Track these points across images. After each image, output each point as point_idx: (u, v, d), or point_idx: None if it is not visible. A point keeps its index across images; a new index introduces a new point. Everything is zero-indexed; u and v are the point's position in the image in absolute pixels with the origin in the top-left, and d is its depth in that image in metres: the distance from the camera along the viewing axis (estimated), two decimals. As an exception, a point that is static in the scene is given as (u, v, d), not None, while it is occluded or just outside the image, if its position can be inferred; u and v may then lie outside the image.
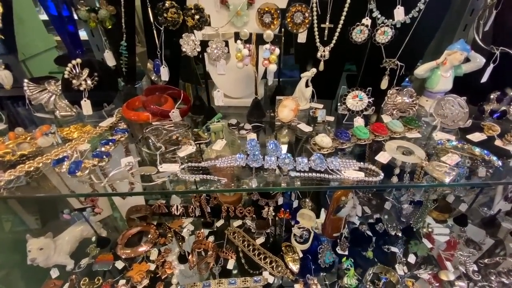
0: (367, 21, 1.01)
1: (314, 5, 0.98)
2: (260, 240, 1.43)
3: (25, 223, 1.63)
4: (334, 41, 1.03)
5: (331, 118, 1.01)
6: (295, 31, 0.90)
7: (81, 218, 1.30)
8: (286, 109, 0.96)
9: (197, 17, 0.80)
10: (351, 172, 0.74)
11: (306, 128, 0.95)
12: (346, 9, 0.99)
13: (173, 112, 0.96)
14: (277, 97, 0.99)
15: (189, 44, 0.79)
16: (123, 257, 1.28)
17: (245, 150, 0.81)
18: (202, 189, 0.75)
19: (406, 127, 0.93)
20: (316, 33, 1.02)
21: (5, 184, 0.72)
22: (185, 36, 0.79)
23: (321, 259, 1.39)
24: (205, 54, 0.87)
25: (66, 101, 1.03)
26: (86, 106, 0.99)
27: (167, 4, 0.80)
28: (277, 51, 0.85)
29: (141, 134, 0.92)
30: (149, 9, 1.00)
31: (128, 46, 1.09)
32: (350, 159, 0.79)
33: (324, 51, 1.05)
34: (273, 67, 0.88)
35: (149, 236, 1.38)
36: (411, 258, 1.38)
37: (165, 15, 0.81)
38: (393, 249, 1.39)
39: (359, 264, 1.35)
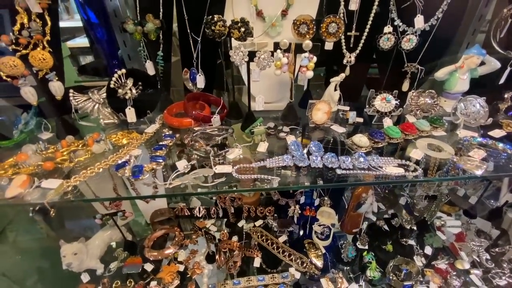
0: (388, 29, 1.10)
1: (342, 15, 1.06)
2: (283, 238, 1.49)
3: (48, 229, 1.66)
4: (359, 48, 1.12)
5: (360, 120, 1.09)
6: (328, 40, 0.97)
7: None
8: (320, 112, 1.03)
9: (242, 29, 0.87)
10: (392, 168, 0.82)
11: (339, 129, 1.02)
12: (371, 18, 1.07)
13: (214, 117, 1.02)
14: (310, 101, 1.06)
15: (238, 55, 0.86)
16: (151, 259, 1.32)
17: (290, 151, 0.88)
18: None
19: (432, 126, 1.01)
20: (343, 41, 1.10)
21: (71, 190, 0.77)
22: (235, 47, 0.86)
23: (344, 254, 1.46)
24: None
25: (109, 109, 1.08)
26: (130, 114, 1.04)
27: (215, 18, 0.86)
28: (315, 59, 0.93)
29: (184, 139, 0.98)
30: (186, 21, 1.07)
31: (164, 56, 1.15)
32: (387, 156, 0.87)
33: (350, 57, 1.13)
34: (310, 74, 0.95)
35: (175, 238, 1.42)
36: (427, 250, 1.46)
37: (213, 27, 0.88)
38: (410, 242, 1.47)
39: (379, 257, 1.42)
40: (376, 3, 1.05)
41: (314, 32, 0.95)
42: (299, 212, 1.47)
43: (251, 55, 0.88)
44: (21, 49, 0.93)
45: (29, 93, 0.89)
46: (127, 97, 1.01)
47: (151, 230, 1.54)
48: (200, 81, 1.14)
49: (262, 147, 0.93)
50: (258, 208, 1.51)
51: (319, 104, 1.03)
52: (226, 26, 0.88)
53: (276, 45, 0.93)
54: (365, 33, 1.09)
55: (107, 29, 1.10)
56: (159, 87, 1.11)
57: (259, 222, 1.58)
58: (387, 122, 1.02)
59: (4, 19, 0.93)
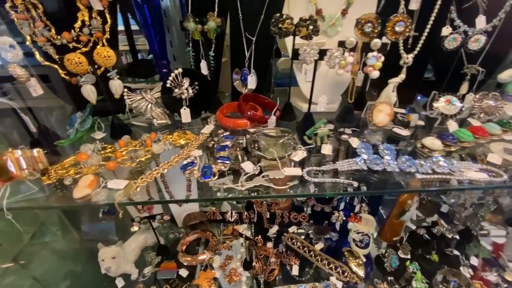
0: (448, 29, 1.06)
1: (402, 14, 1.03)
2: (319, 245, 1.43)
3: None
4: (418, 49, 1.08)
5: (422, 122, 1.04)
6: (393, 39, 0.94)
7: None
8: (381, 114, 0.99)
9: (311, 27, 0.84)
10: (474, 173, 0.77)
11: (403, 131, 0.98)
12: (433, 17, 1.03)
13: (271, 118, 0.99)
14: (369, 102, 1.02)
15: (309, 53, 0.83)
16: (185, 264, 1.28)
17: (359, 154, 0.84)
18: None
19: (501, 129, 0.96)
20: (401, 41, 1.07)
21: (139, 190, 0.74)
22: (306, 46, 0.83)
23: (387, 263, 1.39)
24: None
25: (161, 109, 1.06)
26: (185, 114, 1.02)
27: (284, 16, 0.84)
28: (383, 58, 0.89)
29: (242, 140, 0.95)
30: (241, 20, 1.05)
31: (215, 56, 1.13)
32: (463, 160, 0.82)
33: (407, 58, 1.09)
34: (376, 74, 0.92)
35: (210, 243, 1.38)
36: (473, 260, 1.39)
37: (280, 25, 0.85)
38: (455, 251, 1.41)
39: (423, 267, 1.36)
40: (439, 3, 1.02)
41: (378, 31, 0.92)
42: (343, 219, 1.42)
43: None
44: (81, 46, 0.92)
45: (90, 91, 0.87)
46: (183, 97, 0.99)
47: (181, 233, 1.50)
48: (252, 82, 1.11)
49: (327, 149, 0.89)
50: (292, 214, 1.47)
51: (380, 106, 0.99)
52: (293, 24, 0.86)
53: (341, 44, 0.90)
54: (425, 33, 1.05)
55: (159, 29, 1.08)
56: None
57: (292, 229, 1.53)
58: (452, 125, 0.98)
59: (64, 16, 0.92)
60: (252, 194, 0.75)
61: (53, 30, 0.88)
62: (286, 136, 0.91)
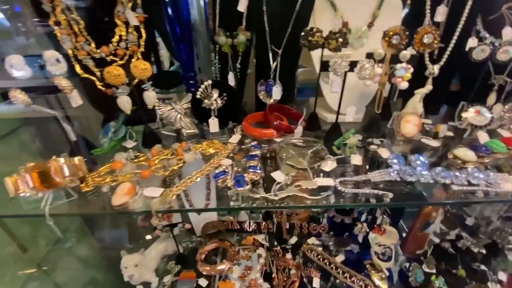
0: (473, 40, 1.07)
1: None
2: (340, 258, 1.40)
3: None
4: (444, 60, 1.08)
5: (451, 133, 1.03)
6: (421, 50, 0.95)
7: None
8: (409, 124, 0.99)
9: (340, 40, 0.86)
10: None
11: (432, 142, 0.97)
12: (459, 29, 1.04)
13: (298, 128, 1.00)
14: (396, 112, 1.02)
15: (340, 65, 0.84)
16: (204, 273, 1.27)
17: (390, 164, 0.84)
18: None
19: (535, 141, 0.94)
20: (427, 52, 1.07)
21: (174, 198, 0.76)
22: (337, 58, 0.85)
23: (412, 277, 1.35)
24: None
25: (189, 119, 1.09)
26: (214, 124, 1.04)
27: (314, 29, 0.86)
28: (412, 69, 0.90)
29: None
30: (267, 34, 1.08)
31: (241, 68, 1.16)
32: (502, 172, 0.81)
33: (433, 69, 1.09)
34: (404, 85, 0.92)
35: (228, 253, 1.36)
36: (501, 276, 1.34)
37: (310, 38, 0.87)
38: (482, 266, 1.36)
39: (449, 282, 1.31)
40: (465, 15, 1.02)
41: (406, 43, 0.93)
42: (367, 231, 1.39)
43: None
44: (118, 59, 0.96)
45: (125, 102, 0.90)
46: (212, 107, 1.01)
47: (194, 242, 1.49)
48: (277, 93, 1.13)
49: (356, 159, 0.89)
50: (311, 225, 1.45)
51: (409, 116, 0.99)
52: (323, 37, 0.88)
53: (369, 56, 0.92)
54: (452, 44, 1.06)
55: (188, 42, 1.13)
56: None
57: (312, 240, 1.51)
58: (483, 136, 0.97)
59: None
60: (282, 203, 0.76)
61: (92, 45, 0.92)
62: (316, 146, 0.92)
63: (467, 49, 1.05)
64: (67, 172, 0.74)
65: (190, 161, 0.91)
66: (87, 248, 1.68)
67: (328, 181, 0.79)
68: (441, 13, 1.04)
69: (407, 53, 0.89)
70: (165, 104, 1.06)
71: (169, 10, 1.05)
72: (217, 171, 0.83)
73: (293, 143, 0.96)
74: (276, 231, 1.49)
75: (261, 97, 1.18)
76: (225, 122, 1.07)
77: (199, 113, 1.06)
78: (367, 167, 0.89)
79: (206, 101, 1.01)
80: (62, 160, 0.74)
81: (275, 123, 1.03)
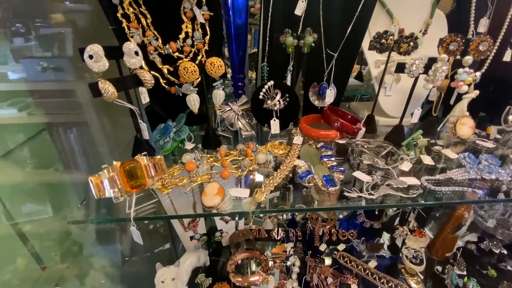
0: (509, 52, 1.15)
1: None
2: (373, 263, 1.40)
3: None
4: (485, 67, 1.16)
5: (499, 136, 1.09)
6: (476, 57, 1.01)
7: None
8: (465, 127, 1.03)
9: (411, 44, 0.89)
10: None
11: (487, 144, 1.02)
12: (500, 40, 1.12)
13: (362, 129, 1.01)
14: (448, 116, 1.07)
15: (418, 67, 0.87)
16: (237, 284, 1.21)
17: (463, 164, 0.86)
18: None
19: None
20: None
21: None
22: (412, 60, 0.87)
23: (447, 280, 1.38)
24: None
25: (246, 120, 1.06)
26: (275, 125, 1.02)
27: (388, 33, 0.89)
28: (477, 74, 0.95)
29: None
30: (322, 37, 1.10)
31: (293, 71, 1.16)
32: None
33: (475, 75, 1.16)
34: (465, 88, 0.97)
35: (261, 263, 1.31)
36: None
37: (383, 41, 0.90)
38: (509, 266, 1.41)
39: (482, 283, 1.35)
40: (506, 26, 1.11)
41: (462, 50, 0.98)
42: (407, 233, 1.40)
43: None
44: (183, 56, 0.92)
45: (196, 101, 0.86)
46: (275, 108, 0.99)
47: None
48: (331, 96, 1.14)
49: (427, 160, 0.90)
50: (340, 231, 1.44)
51: (463, 119, 1.04)
52: (393, 40, 0.91)
53: (431, 60, 0.96)
54: (493, 53, 1.13)
55: (243, 44, 1.11)
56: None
57: (342, 246, 1.49)
58: (531, 137, 1.03)
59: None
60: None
61: (159, 40, 0.88)
62: (388, 147, 0.93)
63: (504, 59, 1.14)
64: (153, 172, 0.68)
65: (262, 161, 0.87)
66: (106, 262, 1.54)
67: (414, 180, 0.79)
68: (484, 24, 1.12)
69: (469, 58, 0.94)
70: (224, 105, 1.03)
71: (226, 12, 1.04)
72: (299, 171, 0.80)
73: (361, 145, 0.96)
74: (305, 238, 1.46)
75: (312, 99, 1.18)
76: (286, 123, 1.05)
77: (259, 114, 1.04)
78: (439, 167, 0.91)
79: (269, 102, 0.99)
80: (145, 159, 0.68)
81: (336, 124, 1.03)
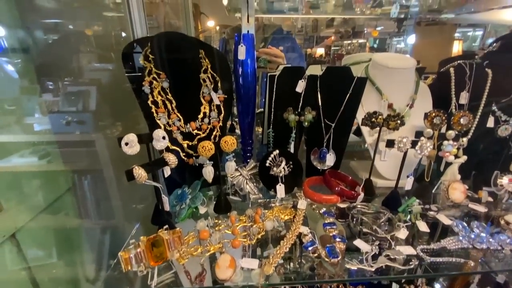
0: (491, 119, 1.29)
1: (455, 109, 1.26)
2: None
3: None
4: (470, 134, 1.28)
5: (490, 199, 1.16)
6: (459, 129, 1.14)
7: None
8: (457, 191, 1.11)
9: (399, 121, 1.03)
10: None
11: (479, 208, 1.09)
12: (480, 112, 1.26)
13: (360, 194, 1.10)
14: (441, 180, 1.16)
15: (404, 143, 0.99)
16: None
17: (456, 231, 0.93)
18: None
19: None
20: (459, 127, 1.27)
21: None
22: (400, 137, 1.00)
23: None
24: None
25: (254, 184, 1.17)
26: (281, 190, 1.12)
27: (377, 113, 1.03)
28: (464, 140, 1.07)
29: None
30: (321, 110, 1.25)
31: (295, 138, 1.29)
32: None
33: (462, 141, 1.28)
34: (451, 158, 1.08)
35: None
36: None
37: (373, 119, 1.04)
38: None
39: None
40: (484, 98, 1.26)
41: (445, 123, 1.11)
42: (416, 292, 1.40)
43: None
44: (201, 133, 1.07)
45: (211, 172, 0.99)
46: (280, 175, 1.11)
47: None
48: (330, 160, 1.26)
49: (423, 226, 0.98)
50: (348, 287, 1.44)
51: (454, 184, 1.13)
52: (383, 119, 1.05)
53: (418, 134, 1.09)
54: (475, 122, 1.26)
55: (251, 112, 1.27)
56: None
57: None
58: (521, 202, 1.10)
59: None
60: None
61: (182, 121, 1.04)
62: (385, 213, 1.01)
63: (487, 125, 1.27)
64: (173, 245, 0.77)
65: (269, 228, 0.96)
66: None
67: (410, 250, 0.86)
68: (464, 97, 1.27)
69: (452, 132, 1.06)
70: (235, 171, 1.15)
71: (237, 88, 1.22)
72: (304, 240, 0.88)
73: (361, 212, 1.05)
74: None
75: (314, 163, 1.30)
76: (291, 188, 1.16)
77: (265, 180, 1.15)
78: (435, 233, 0.97)
79: (275, 169, 1.11)
80: (167, 233, 0.78)
81: (337, 188, 1.12)
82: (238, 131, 1.37)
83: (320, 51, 6.78)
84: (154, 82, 1.02)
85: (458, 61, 1.36)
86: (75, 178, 1.53)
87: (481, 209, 1.09)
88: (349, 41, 6.36)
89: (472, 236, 0.89)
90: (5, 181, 1.12)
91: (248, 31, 1.21)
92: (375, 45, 5.80)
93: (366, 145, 1.34)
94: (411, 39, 3.53)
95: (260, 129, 1.63)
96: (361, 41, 6.11)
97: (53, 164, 1.37)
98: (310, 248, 0.85)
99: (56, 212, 1.35)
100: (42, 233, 1.29)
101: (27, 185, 1.27)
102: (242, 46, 1.10)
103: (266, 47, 1.60)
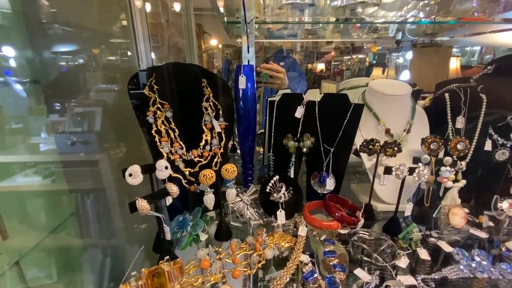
0: (488, 142, 1.30)
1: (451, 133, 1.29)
2: None
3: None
4: (469, 158, 1.29)
5: (491, 224, 1.16)
6: (456, 154, 1.15)
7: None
8: (457, 217, 1.12)
9: (396, 149, 1.06)
10: None
11: (480, 233, 1.09)
12: (477, 136, 1.28)
13: (361, 220, 1.11)
14: (442, 204, 1.17)
15: (401, 171, 1.01)
16: None
17: (458, 259, 0.93)
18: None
19: None
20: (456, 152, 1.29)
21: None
22: (397, 165, 1.02)
23: None
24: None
25: (254, 210, 1.18)
26: (281, 216, 1.13)
27: (374, 140, 1.06)
28: (463, 163, 1.08)
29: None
30: (320, 136, 1.28)
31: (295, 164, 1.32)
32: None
33: (461, 164, 1.29)
34: (449, 184, 1.09)
35: None
36: None
37: (370, 147, 1.06)
38: None
39: None
40: (480, 123, 1.28)
41: (442, 148, 1.14)
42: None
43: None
44: (203, 160, 1.10)
45: (211, 200, 1.01)
46: (280, 200, 1.12)
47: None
48: (330, 184, 1.28)
49: (424, 254, 0.97)
50: None
51: (454, 209, 1.13)
52: (380, 146, 1.07)
53: (415, 160, 1.11)
54: (473, 146, 1.28)
55: (252, 139, 1.31)
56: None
57: None
58: (522, 227, 1.10)
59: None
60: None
61: (184, 149, 1.07)
62: (386, 240, 1.01)
63: (485, 149, 1.28)
64: (173, 277, 0.78)
65: (270, 257, 0.96)
66: None
67: (410, 280, 0.86)
68: (460, 121, 1.30)
69: (449, 158, 1.08)
70: (235, 197, 1.16)
71: (238, 111, 1.25)
72: (304, 270, 0.89)
73: (361, 237, 1.05)
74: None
75: (314, 187, 1.31)
76: (291, 214, 1.17)
77: (266, 205, 1.17)
78: (437, 260, 0.97)
79: (275, 195, 1.12)
80: (167, 265, 0.79)
81: (337, 214, 1.13)
82: (239, 151, 1.39)
83: (320, 66, 6.94)
84: (158, 112, 1.06)
85: (453, 85, 1.40)
86: (78, 200, 1.55)
87: (483, 235, 1.09)
88: (349, 57, 6.51)
89: (473, 264, 0.89)
90: (10, 203, 1.14)
91: (248, 61, 1.26)
92: (375, 61, 5.92)
93: (366, 169, 1.36)
94: (409, 55, 3.61)
95: (261, 149, 1.66)
96: (360, 56, 6.26)
97: (56, 184, 1.39)
98: (310, 279, 0.85)
99: (60, 237, 1.37)
100: (44, 257, 1.30)
101: (31, 208, 1.29)
102: (242, 76, 1.15)
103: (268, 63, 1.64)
